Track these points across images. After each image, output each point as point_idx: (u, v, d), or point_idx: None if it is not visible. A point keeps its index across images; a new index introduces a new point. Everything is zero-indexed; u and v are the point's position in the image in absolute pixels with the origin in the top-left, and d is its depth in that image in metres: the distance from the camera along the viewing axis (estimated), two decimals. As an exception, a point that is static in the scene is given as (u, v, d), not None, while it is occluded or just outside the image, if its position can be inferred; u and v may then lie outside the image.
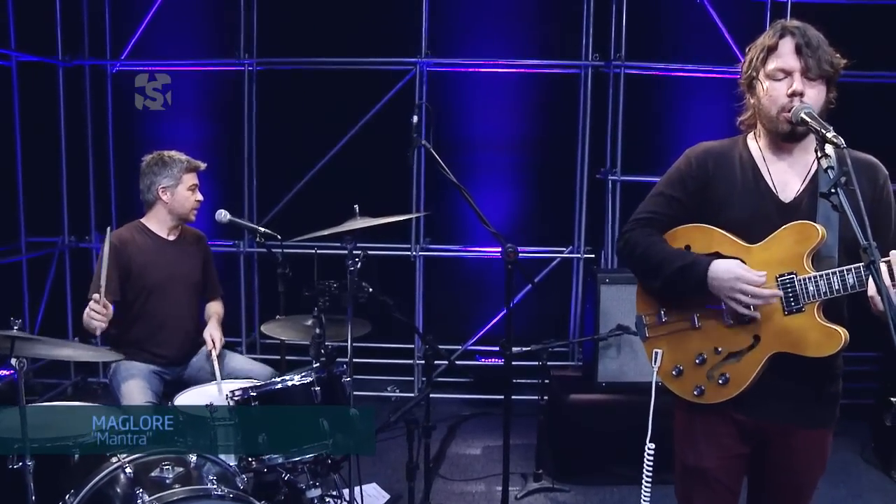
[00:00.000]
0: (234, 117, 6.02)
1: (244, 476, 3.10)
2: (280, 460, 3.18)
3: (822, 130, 2.13)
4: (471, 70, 5.98)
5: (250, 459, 3.16)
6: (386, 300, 4.05)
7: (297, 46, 5.90)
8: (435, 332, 6.24)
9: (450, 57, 5.89)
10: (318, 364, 3.27)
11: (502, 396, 5.96)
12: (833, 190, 2.04)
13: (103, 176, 6.08)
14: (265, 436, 3.14)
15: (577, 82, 5.86)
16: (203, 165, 4.15)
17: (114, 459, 2.89)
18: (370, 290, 4.04)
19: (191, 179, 4.04)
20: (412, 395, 6.03)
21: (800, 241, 2.28)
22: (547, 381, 4.69)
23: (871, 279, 2.07)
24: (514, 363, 3.95)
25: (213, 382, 3.78)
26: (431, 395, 6.15)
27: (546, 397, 4.67)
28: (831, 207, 2.08)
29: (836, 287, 2.21)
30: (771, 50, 2.33)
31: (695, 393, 2.43)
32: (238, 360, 4.10)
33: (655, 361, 2.51)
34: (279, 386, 3.22)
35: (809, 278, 2.25)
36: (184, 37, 6.03)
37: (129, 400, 3.70)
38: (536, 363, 4.65)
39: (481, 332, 6.15)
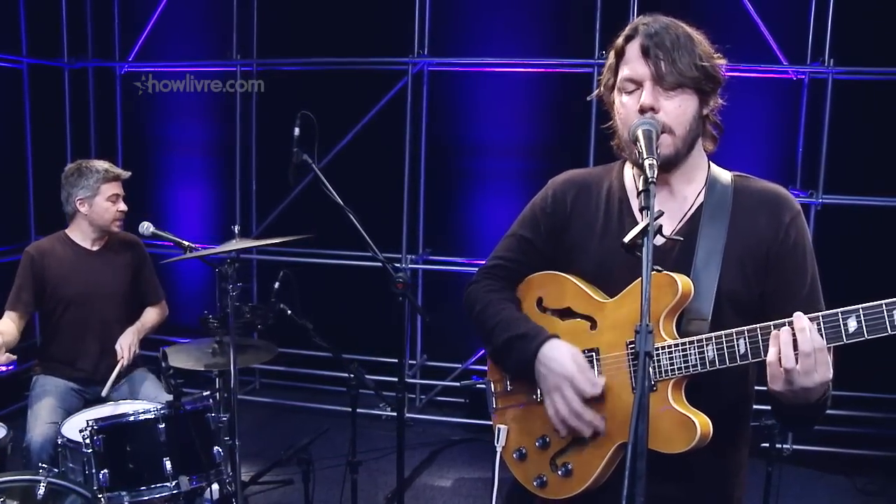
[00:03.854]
0: (240, 119, 5.89)
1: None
2: (126, 500, 2.97)
3: (638, 154, 1.65)
4: (474, 69, 5.57)
5: (100, 496, 2.98)
6: (306, 324, 3.78)
7: (298, 47, 5.70)
8: (434, 349, 5.95)
9: (454, 56, 5.51)
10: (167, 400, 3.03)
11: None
12: (640, 240, 1.54)
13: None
14: (107, 472, 2.95)
15: (589, 82, 5.32)
16: (126, 174, 3.99)
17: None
18: (288, 311, 3.80)
19: (111, 189, 3.89)
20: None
21: (656, 299, 1.71)
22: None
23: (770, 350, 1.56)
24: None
25: (120, 402, 3.64)
26: (426, 417, 5.89)
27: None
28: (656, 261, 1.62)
29: (693, 362, 1.67)
30: (620, 55, 1.81)
31: (535, 483, 1.95)
32: (150, 387, 3.91)
33: (498, 440, 2.04)
34: (122, 420, 3.01)
35: (663, 348, 1.71)
36: (189, 38, 5.98)
37: (33, 419, 3.59)
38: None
39: (482, 351, 5.73)
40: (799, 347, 1.53)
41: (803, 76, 5.08)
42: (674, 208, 1.85)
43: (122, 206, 3.94)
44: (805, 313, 1.57)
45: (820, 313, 1.56)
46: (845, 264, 5.03)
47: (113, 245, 4.02)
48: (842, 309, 1.54)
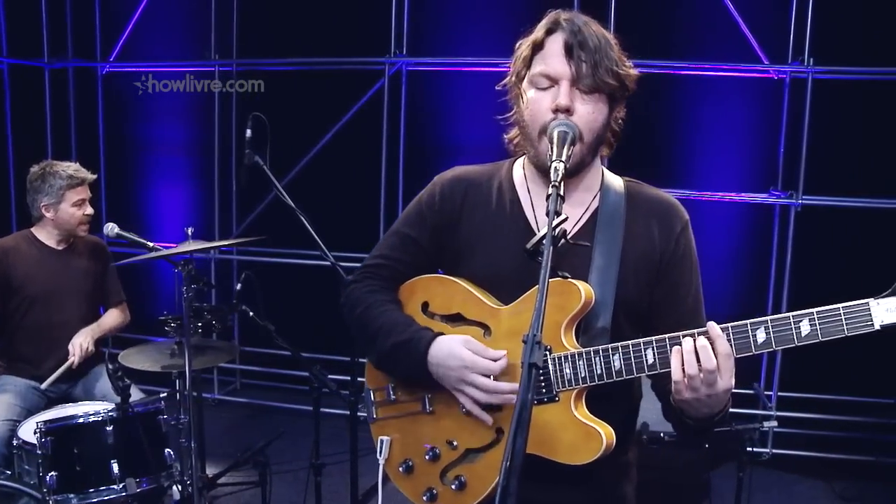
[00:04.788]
0: (219, 119, 5.88)
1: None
2: (74, 502, 2.96)
3: (548, 156, 1.62)
4: (453, 69, 5.53)
5: (48, 500, 2.96)
6: (267, 325, 3.76)
7: (277, 48, 5.69)
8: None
9: (432, 56, 5.46)
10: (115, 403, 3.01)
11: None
12: (542, 246, 1.50)
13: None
14: (54, 475, 2.94)
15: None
16: (92, 177, 3.97)
17: None
18: (251, 313, 3.78)
19: (76, 195, 3.86)
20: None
21: (557, 306, 1.67)
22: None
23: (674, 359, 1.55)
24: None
25: (82, 403, 3.63)
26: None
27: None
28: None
29: (599, 372, 1.64)
30: (537, 48, 1.75)
31: (424, 498, 1.86)
32: (107, 384, 3.89)
33: (381, 452, 1.95)
34: (70, 423, 2.99)
35: (565, 357, 1.67)
36: (169, 39, 5.97)
37: (-12, 416, 3.59)
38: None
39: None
40: (721, 350, 1.53)
41: (784, 75, 5.02)
42: (570, 213, 1.79)
43: (89, 210, 3.93)
44: (688, 323, 1.62)
45: (730, 324, 1.56)
46: (825, 267, 4.98)
47: (79, 247, 4.01)
48: (751, 320, 1.55)
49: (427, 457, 1.86)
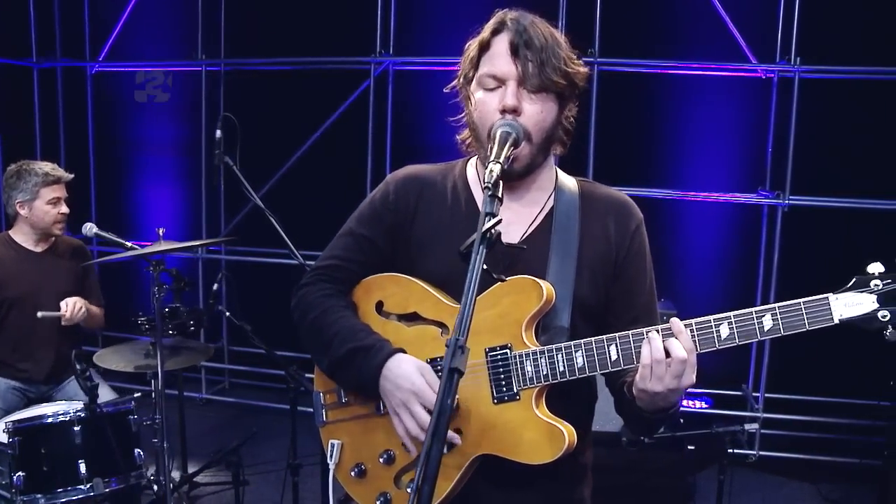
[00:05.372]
0: (208, 118, 5.87)
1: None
2: (42, 503, 2.95)
3: (489, 155, 1.59)
4: (441, 69, 5.49)
5: (15, 500, 2.96)
6: (244, 325, 3.76)
7: (264, 47, 5.70)
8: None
9: (419, 55, 5.44)
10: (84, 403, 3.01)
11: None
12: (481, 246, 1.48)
13: (83, 175, 6.11)
14: (21, 475, 2.93)
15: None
16: (68, 176, 3.97)
17: None
18: (227, 313, 3.78)
19: (51, 193, 3.86)
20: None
21: (518, 304, 1.68)
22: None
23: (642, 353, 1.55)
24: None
25: (58, 402, 3.62)
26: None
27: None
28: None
29: (562, 369, 1.63)
30: (484, 49, 1.74)
31: (377, 502, 1.81)
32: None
33: (332, 456, 1.89)
34: (38, 422, 2.99)
35: (527, 354, 1.65)
36: (158, 38, 5.97)
37: (-38, 417, 3.59)
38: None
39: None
40: (684, 346, 1.53)
41: (772, 74, 4.98)
42: (524, 213, 1.79)
43: (64, 209, 3.91)
44: (644, 320, 1.63)
45: (693, 320, 1.56)
46: (812, 266, 4.94)
47: (58, 248, 4.00)
48: (714, 316, 1.56)
49: (381, 460, 1.82)
